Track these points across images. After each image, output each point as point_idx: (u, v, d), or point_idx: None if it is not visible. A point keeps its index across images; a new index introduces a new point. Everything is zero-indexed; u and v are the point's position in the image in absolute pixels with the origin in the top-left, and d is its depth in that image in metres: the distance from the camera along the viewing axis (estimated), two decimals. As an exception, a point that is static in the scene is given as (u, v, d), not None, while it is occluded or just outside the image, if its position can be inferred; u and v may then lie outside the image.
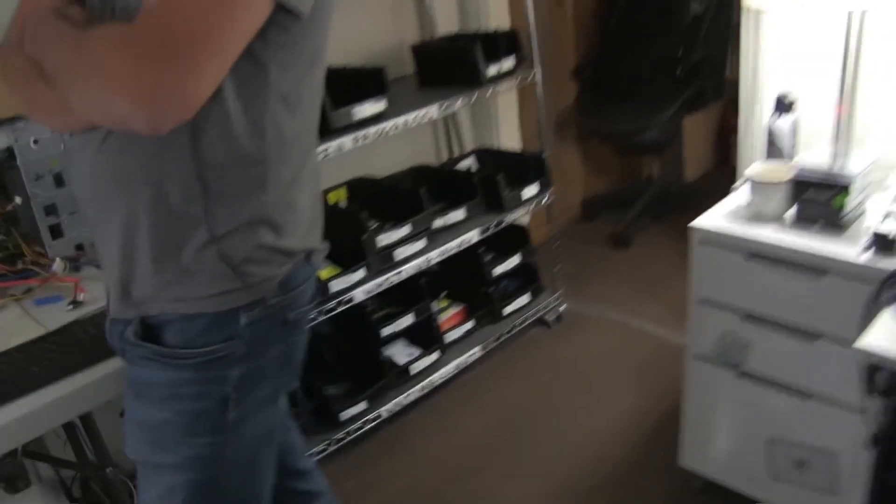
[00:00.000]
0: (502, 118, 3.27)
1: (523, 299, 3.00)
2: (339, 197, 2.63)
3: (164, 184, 1.10)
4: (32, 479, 1.94)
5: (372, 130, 2.33)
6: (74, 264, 1.98)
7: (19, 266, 1.96)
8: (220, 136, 1.08)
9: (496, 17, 3.07)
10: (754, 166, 1.93)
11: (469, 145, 3.25)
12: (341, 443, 2.49)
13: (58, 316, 1.72)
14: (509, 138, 3.30)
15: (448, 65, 2.66)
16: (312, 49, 1.17)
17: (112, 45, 0.94)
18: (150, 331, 1.18)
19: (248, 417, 1.26)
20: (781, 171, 1.87)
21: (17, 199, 1.98)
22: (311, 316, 1.36)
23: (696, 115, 3.85)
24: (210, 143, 1.08)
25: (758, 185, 1.89)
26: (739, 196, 2.00)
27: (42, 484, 1.99)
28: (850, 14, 1.90)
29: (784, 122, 1.97)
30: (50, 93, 1.08)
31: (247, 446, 1.30)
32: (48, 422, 1.47)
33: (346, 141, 2.27)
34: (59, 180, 2.00)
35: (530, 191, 2.83)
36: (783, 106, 1.98)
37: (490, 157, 3.00)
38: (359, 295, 2.38)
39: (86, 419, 1.81)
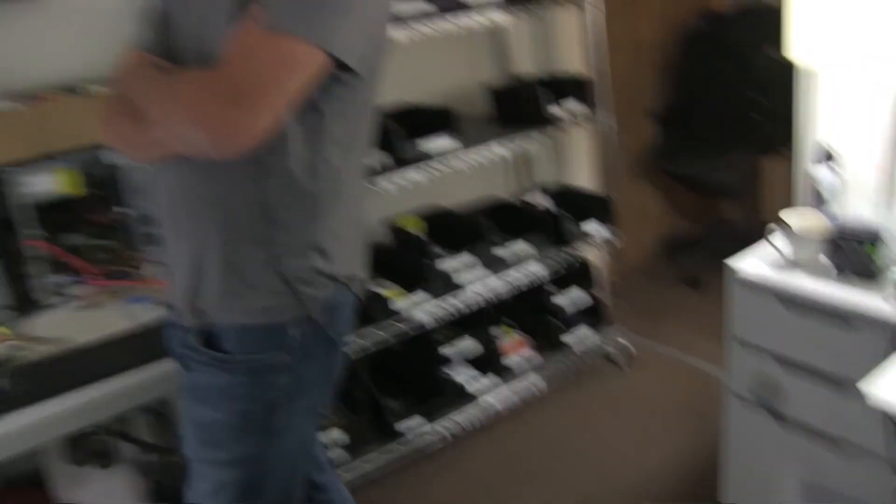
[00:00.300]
0: (574, 157, 3.41)
1: (585, 332, 3.12)
2: (410, 223, 2.82)
3: (232, 209, 1.32)
4: (119, 458, 2.18)
5: (440, 164, 2.53)
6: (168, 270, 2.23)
7: (120, 268, 2.23)
8: (281, 172, 1.29)
9: (570, 61, 3.21)
10: (792, 213, 2.02)
11: (541, 182, 3.40)
12: (394, 454, 2.66)
13: (145, 313, 1.97)
14: (581, 177, 3.43)
15: (517, 105, 2.83)
16: (365, 100, 1.38)
17: (195, 85, 1.19)
18: (209, 338, 1.39)
19: (291, 424, 1.44)
20: (818, 220, 1.95)
21: (120, 210, 2.25)
22: (351, 338, 1.54)
23: (773, 159, 3.89)
24: (272, 178, 1.29)
25: (794, 233, 1.97)
26: (777, 239, 2.07)
27: (127, 463, 2.22)
28: None
29: (824, 171, 2.06)
30: (135, 128, 1.33)
31: (289, 452, 1.48)
32: (128, 402, 1.71)
33: (415, 174, 2.46)
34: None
35: (594, 228, 2.95)
36: (824, 155, 2.06)
37: (560, 194, 3.14)
38: (421, 316, 2.56)
39: (164, 406, 2.04)
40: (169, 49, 1.37)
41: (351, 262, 1.46)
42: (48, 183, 2.14)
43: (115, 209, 2.24)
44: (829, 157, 2.06)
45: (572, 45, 3.17)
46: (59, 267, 2.16)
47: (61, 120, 2.16)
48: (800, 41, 1.92)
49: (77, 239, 2.21)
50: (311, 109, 1.27)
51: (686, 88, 4.03)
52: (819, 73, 2.19)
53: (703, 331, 3.46)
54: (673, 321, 3.60)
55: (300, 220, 1.34)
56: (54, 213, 2.16)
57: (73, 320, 2.03)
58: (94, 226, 2.23)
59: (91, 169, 2.19)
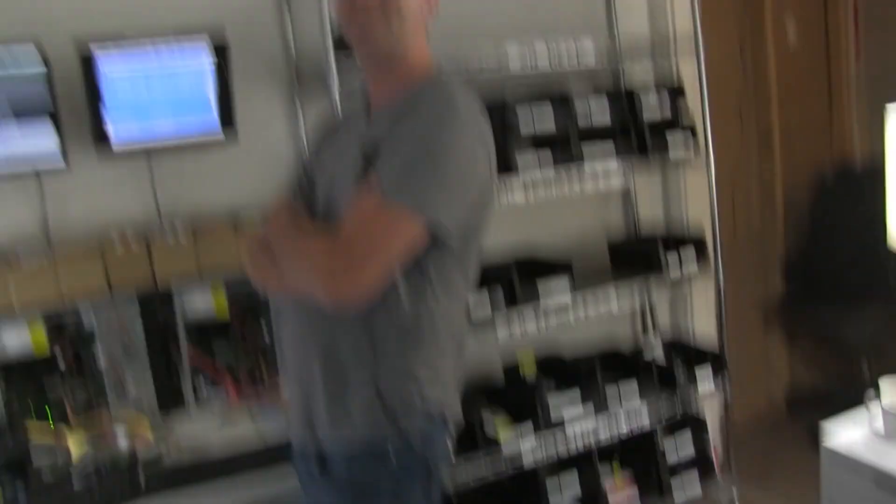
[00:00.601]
0: (697, 309, 3.50)
1: (692, 481, 3.14)
2: (524, 362, 2.98)
3: (343, 343, 1.54)
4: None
5: (557, 312, 2.71)
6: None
7: (259, 385, 2.51)
8: (388, 316, 1.52)
9: (696, 220, 3.35)
10: (890, 386, 2.02)
11: (663, 332, 3.50)
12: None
13: (274, 430, 2.22)
14: (703, 328, 3.50)
15: (637, 259, 2.99)
16: (465, 253, 1.59)
17: (320, 245, 1.45)
18: (323, 461, 1.59)
19: None
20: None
21: (266, 333, 2.54)
22: (445, 471, 1.71)
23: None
24: (379, 320, 1.52)
25: (890, 412, 1.98)
26: (874, 409, 2.05)
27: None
28: None
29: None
30: (270, 265, 1.60)
31: None
32: None
33: (533, 321, 2.66)
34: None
35: (706, 379, 3.02)
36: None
37: (675, 344, 3.24)
38: (526, 451, 2.69)
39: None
40: (309, 200, 1.66)
41: (448, 396, 1.63)
42: (205, 303, 2.46)
43: (261, 332, 2.53)
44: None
45: (697, 201, 3.31)
46: (204, 377, 2.46)
47: (221, 249, 2.50)
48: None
49: (223, 354, 2.52)
50: (415, 263, 1.49)
51: (816, 239, 4.07)
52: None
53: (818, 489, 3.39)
54: (789, 479, 3.54)
55: (402, 356, 1.54)
56: (207, 330, 2.48)
57: (209, 430, 2.30)
58: (240, 344, 2.52)
59: (241, 293, 2.51)
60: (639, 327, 3.51)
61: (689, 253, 3.01)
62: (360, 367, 1.53)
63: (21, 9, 2.39)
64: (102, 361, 2.33)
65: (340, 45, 2.36)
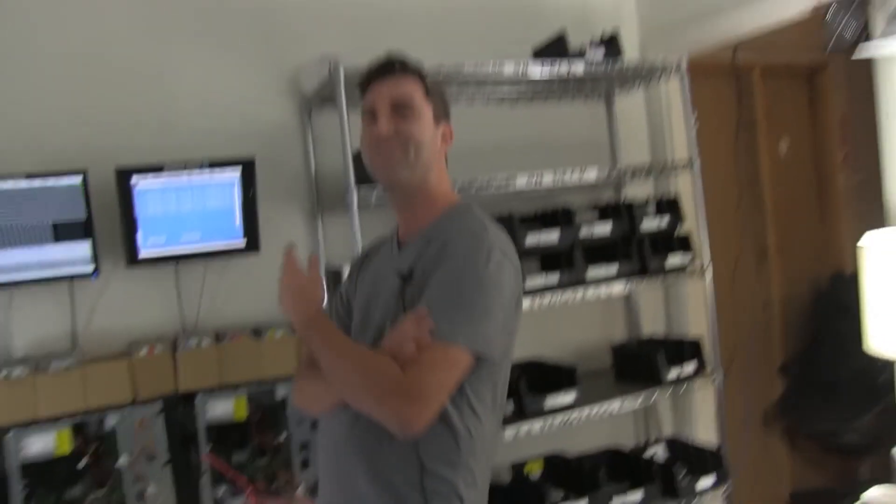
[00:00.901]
0: (698, 410, 3.59)
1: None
2: (534, 468, 3.06)
3: (391, 459, 1.61)
4: None
5: (560, 418, 2.82)
6: (314, 491, 2.59)
7: (275, 486, 2.59)
8: (434, 438, 1.60)
9: (696, 325, 3.48)
10: (875, 491, 2.13)
11: (666, 433, 3.59)
12: None
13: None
14: (705, 429, 3.59)
15: (638, 365, 3.11)
16: (502, 372, 1.70)
17: (387, 378, 1.50)
18: None
19: None
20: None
21: (283, 436, 2.64)
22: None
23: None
24: (427, 441, 1.60)
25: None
26: None
27: None
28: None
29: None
30: (315, 385, 1.69)
31: None
32: None
33: (538, 426, 2.76)
34: (314, 425, 2.64)
35: (706, 482, 3.09)
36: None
37: (678, 446, 3.32)
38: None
39: None
40: (346, 325, 1.78)
41: (483, 499, 1.72)
42: (226, 408, 2.57)
43: (278, 435, 2.63)
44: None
45: (697, 308, 3.44)
46: (224, 481, 2.55)
47: (243, 357, 2.62)
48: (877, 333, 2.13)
49: (242, 457, 2.61)
50: (460, 388, 1.60)
51: (813, 344, 4.18)
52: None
53: None
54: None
55: (446, 471, 1.62)
56: (227, 435, 2.58)
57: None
58: (259, 447, 2.62)
59: (262, 399, 2.62)
60: (641, 427, 3.60)
61: (689, 357, 3.12)
62: (406, 482, 1.61)
63: (72, 142, 2.61)
64: (124, 464, 2.42)
65: (359, 165, 2.55)
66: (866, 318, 2.16)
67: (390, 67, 1.72)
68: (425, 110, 1.71)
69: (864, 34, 2.54)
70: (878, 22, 2.47)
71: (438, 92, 1.78)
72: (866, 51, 2.48)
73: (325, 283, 1.76)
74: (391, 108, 1.68)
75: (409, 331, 1.53)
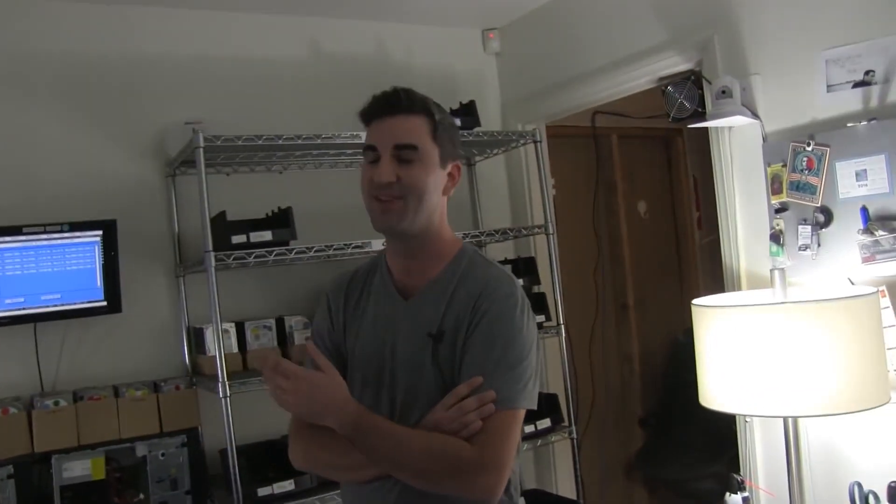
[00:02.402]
0: (559, 463, 3.73)
1: None
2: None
3: None
4: None
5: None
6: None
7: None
8: None
9: (554, 381, 3.61)
10: None
11: (528, 485, 3.70)
12: None
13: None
14: (566, 481, 3.73)
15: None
16: None
17: (463, 459, 1.47)
18: None
19: None
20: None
21: (142, 495, 2.66)
22: None
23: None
24: None
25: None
26: None
27: None
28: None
29: (736, 500, 2.39)
30: (334, 454, 1.57)
31: None
32: None
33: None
34: (174, 484, 2.68)
35: (565, 533, 3.23)
36: (735, 485, 2.40)
37: (539, 498, 3.43)
38: None
39: None
40: (336, 360, 1.64)
41: None
42: (83, 468, 2.58)
43: (137, 494, 2.64)
44: (741, 487, 2.40)
45: (555, 364, 3.58)
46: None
47: (101, 416, 2.64)
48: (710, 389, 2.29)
49: (99, 518, 2.61)
50: None
51: (669, 397, 4.41)
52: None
53: None
54: None
55: None
56: (85, 494, 2.58)
57: None
58: (116, 507, 2.63)
59: (121, 458, 2.64)
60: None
61: (546, 412, 3.26)
62: None
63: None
64: (-30, 530, 2.39)
65: (217, 228, 2.63)
66: (701, 374, 2.33)
67: (396, 104, 1.58)
68: (431, 154, 1.59)
69: (702, 104, 2.79)
70: (708, 98, 2.70)
71: (447, 129, 1.64)
72: (701, 122, 2.71)
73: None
74: (394, 150, 1.56)
75: (470, 405, 1.49)
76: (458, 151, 1.69)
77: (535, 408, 1.58)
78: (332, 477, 1.73)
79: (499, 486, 1.49)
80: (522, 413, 1.55)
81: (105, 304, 2.73)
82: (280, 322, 3.00)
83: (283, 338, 3.02)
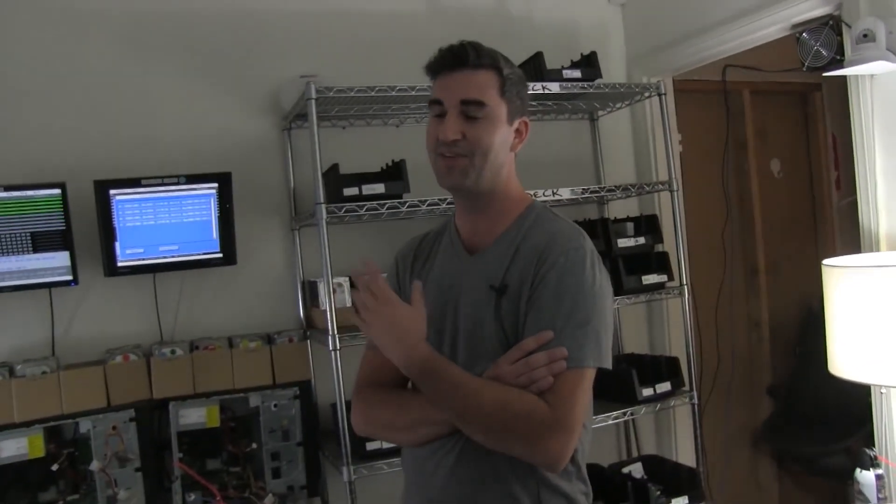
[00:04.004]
0: (680, 430, 3.59)
1: None
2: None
3: (511, 482, 1.50)
4: None
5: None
6: (283, 500, 2.64)
7: (246, 493, 2.64)
8: None
9: (676, 344, 3.48)
10: None
11: (647, 451, 3.59)
12: None
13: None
14: (686, 449, 3.59)
15: (611, 385, 3.11)
16: None
17: (536, 416, 1.41)
18: None
19: None
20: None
21: (254, 444, 2.69)
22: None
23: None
24: None
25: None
26: None
27: None
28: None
29: (868, 477, 2.21)
30: (396, 414, 1.56)
31: None
32: None
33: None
34: (285, 435, 2.70)
35: (681, 502, 3.09)
36: (867, 461, 2.22)
37: (655, 464, 3.32)
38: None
39: None
40: None
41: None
42: (199, 416, 2.63)
43: (250, 444, 2.69)
44: (868, 460, 2.23)
45: (678, 326, 3.43)
46: (195, 487, 2.60)
47: (216, 366, 2.69)
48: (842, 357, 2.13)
49: (214, 465, 2.67)
50: None
51: (801, 367, 4.18)
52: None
53: None
54: None
55: (562, 483, 1.53)
56: (199, 441, 2.64)
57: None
58: (231, 456, 2.67)
59: (235, 408, 2.68)
60: (623, 444, 3.61)
61: (666, 376, 3.12)
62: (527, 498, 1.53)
63: (52, 156, 2.69)
64: (95, 468, 2.48)
65: (329, 182, 2.60)
66: (831, 340, 2.17)
67: (464, 57, 1.53)
68: (499, 110, 1.55)
69: (840, 52, 2.57)
70: (848, 44, 2.49)
71: (516, 83, 1.59)
72: (840, 70, 2.50)
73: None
74: (460, 106, 1.52)
75: (540, 360, 1.44)
76: (527, 107, 1.64)
77: (609, 367, 1.50)
78: (392, 440, 1.71)
79: (568, 449, 1.43)
80: (593, 373, 1.48)
81: (221, 255, 2.76)
82: (394, 277, 2.98)
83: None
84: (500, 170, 1.58)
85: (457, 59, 1.54)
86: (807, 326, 4.23)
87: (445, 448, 1.53)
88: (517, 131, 1.61)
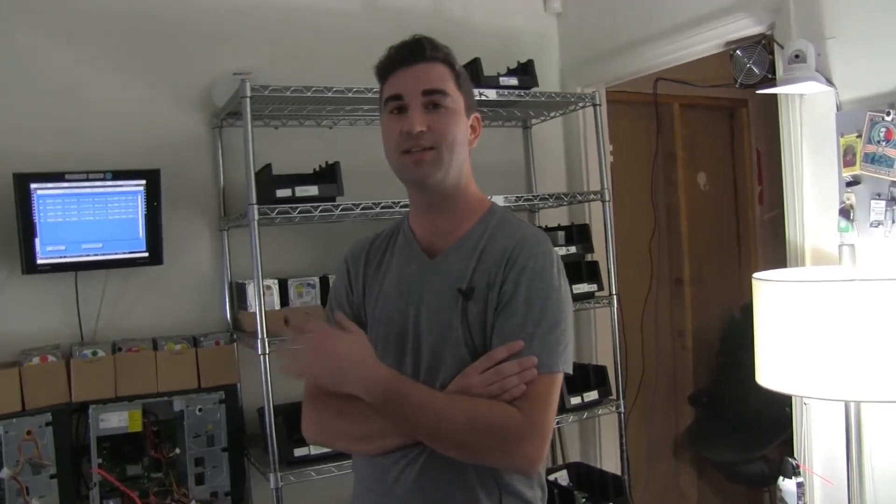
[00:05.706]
0: (605, 438, 3.64)
1: None
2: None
3: (476, 489, 1.48)
4: None
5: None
6: (206, 506, 2.59)
7: (168, 500, 2.58)
8: None
9: (604, 353, 3.51)
10: None
11: (573, 458, 3.62)
12: None
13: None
14: (611, 456, 3.64)
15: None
16: None
17: (510, 426, 1.40)
18: None
19: None
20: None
21: (178, 450, 2.62)
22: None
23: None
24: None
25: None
26: None
27: None
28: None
29: (790, 485, 2.27)
30: (351, 424, 1.50)
31: None
32: None
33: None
34: (210, 440, 2.64)
35: (606, 507, 3.14)
36: (790, 470, 2.28)
37: (582, 472, 3.35)
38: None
39: None
40: (356, 320, 1.59)
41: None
42: (120, 419, 2.55)
43: (173, 448, 2.62)
44: (796, 472, 2.28)
45: (605, 336, 3.48)
46: (115, 493, 2.52)
47: (139, 369, 2.60)
48: (768, 368, 2.18)
49: (136, 470, 2.59)
50: None
51: (723, 376, 4.26)
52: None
53: None
54: None
55: (521, 485, 1.53)
56: (120, 446, 2.56)
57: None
58: (153, 461, 2.60)
59: (158, 411, 2.61)
60: (554, 449, 3.64)
61: (594, 385, 3.15)
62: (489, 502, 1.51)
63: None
64: (6, 475, 2.37)
65: (261, 181, 2.56)
66: (758, 352, 2.22)
67: (419, 51, 1.53)
68: (459, 102, 1.55)
69: (771, 71, 2.64)
70: (780, 63, 2.55)
71: (466, 79, 1.60)
72: (771, 88, 2.56)
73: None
74: (423, 97, 1.50)
75: (511, 368, 1.42)
76: (475, 103, 1.64)
77: (570, 372, 1.50)
78: (349, 449, 1.64)
79: (542, 455, 1.44)
80: (562, 377, 1.48)
81: (147, 255, 2.68)
82: (324, 280, 2.92)
83: (327, 296, 2.95)
84: (462, 165, 1.57)
85: (413, 53, 1.53)
86: (729, 336, 4.32)
87: (409, 457, 1.50)
88: (472, 127, 1.61)
